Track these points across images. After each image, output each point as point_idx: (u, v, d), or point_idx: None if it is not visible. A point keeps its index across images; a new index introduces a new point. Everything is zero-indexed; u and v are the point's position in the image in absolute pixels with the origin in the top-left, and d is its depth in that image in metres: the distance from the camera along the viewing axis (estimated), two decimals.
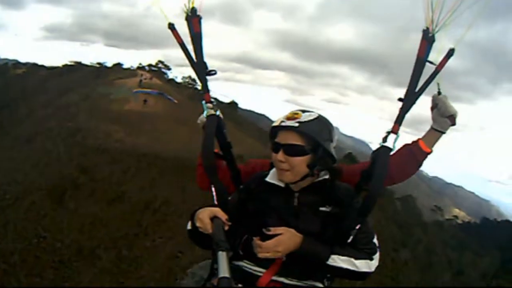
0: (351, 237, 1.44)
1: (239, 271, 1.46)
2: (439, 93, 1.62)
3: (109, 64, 49.78)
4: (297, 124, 1.40)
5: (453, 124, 1.62)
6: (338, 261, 1.38)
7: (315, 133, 1.40)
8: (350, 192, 1.52)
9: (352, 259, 1.40)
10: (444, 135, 1.64)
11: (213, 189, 1.59)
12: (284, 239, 1.34)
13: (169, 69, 50.11)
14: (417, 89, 1.60)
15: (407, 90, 1.61)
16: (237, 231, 1.41)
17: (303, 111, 1.46)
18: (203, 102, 1.72)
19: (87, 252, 4.29)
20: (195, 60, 1.72)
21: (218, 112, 1.71)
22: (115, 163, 9.61)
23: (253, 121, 41.87)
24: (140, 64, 50.09)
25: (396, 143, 1.61)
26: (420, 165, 1.69)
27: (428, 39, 1.57)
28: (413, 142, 1.69)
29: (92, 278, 3.82)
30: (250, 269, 1.45)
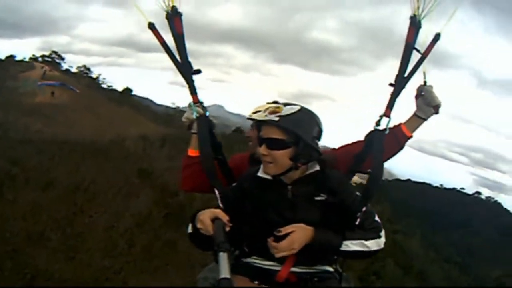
0: (358, 220, 1.46)
1: (251, 268, 1.47)
2: (425, 82, 1.68)
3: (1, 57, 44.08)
4: (277, 119, 1.39)
5: (437, 113, 1.69)
6: (350, 245, 1.41)
7: (295, 127, 1.39)
8: (342, 179, 1.54)
9: (363, 241, 1.42)
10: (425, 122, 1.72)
11: (216, 192, 1.56)
12: (297, 236, 1.35)
13: (62, 59, 46.80)
14: (406, 74, 1.65)
15: (397, 76, 1.66)
16: (238, 229, 1.39)
17: (285, 104, 1.45)
18: (191, 103, 1.68)
19: (36, 237, 4.63)
20: (179, 61, 1.66)
21: (208, 113, 1.70)
22: (40, 152, 9.64)
23: (147, 105, 43.20)
24: (33, 55, 45.94)
25: (388, 126, 1.65)
26: (402, 148, 1.75)
27: (415, 26, 1.62)
28: (395, 126, 1.73)
29: (47, 259, 4.26)
30: (261, 264, 1.47)
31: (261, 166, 1.52)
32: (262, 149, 1.42)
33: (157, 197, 6.16)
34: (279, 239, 1.35)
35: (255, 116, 1.44)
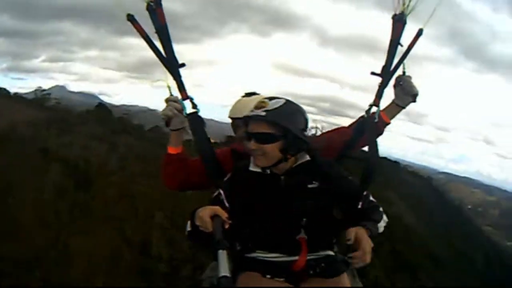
0: (360, 203, 1.49)
1: (258, 262, 1.45)
2: (404, 73, 1.77)
3: None
4: (264, 113, 1.41)
5: (414, 101, 1.78)
6: (374, 229, 1.42)
7: (282, 120, 1.41)
8: (333, 164, 1.59)
9: (377, 224, 1.46)
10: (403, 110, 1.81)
11: (222, 193, 1.50)
12: (363, 237, 1.32)
13: None
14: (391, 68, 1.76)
15: (384, 68, 1.77)
16: (239, 225, 1.39)
17: (271, 99, 1.46)
18: (180, 100, 1.62)
19: None
20: (164, 55, 1.62)
21: (199, 110, 1.66)
22: None
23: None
24: None
25: (377, 114, 1.76)
26: (381, 133, 1.82)
27: (401, 22, 1.73)
28: (374, 113, 1.80)
29: None
30: (267, 257, 1.45)
31: (252, 159, 1.52)
32: (252, 144, 1.44)
33: (64, 169, 7.52)
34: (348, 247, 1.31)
35: (241, 115, 1.50)
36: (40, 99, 14.98)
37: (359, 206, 1.50)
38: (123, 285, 5.43)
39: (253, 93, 1.84)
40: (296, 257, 1.43)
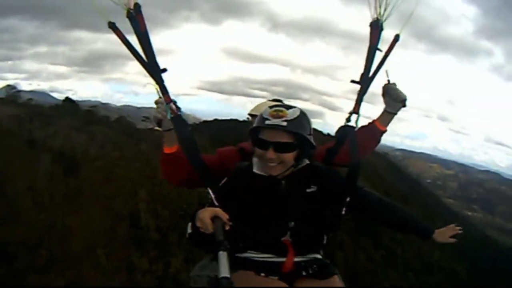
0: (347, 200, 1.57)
1: (251, 262, 1.47)
2: (388, 81, 1.80)
3: None
4: (285, 124, 1.42)
5: (404, 106, 1.82)
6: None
7: (301, 130, 1.44)
8: (329, 167, 1.64)
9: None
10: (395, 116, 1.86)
11: (211, 193, 1.55)
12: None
13: None
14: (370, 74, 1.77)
15: (362, 75, 1.79)
16: (233, 225, 1.34)
17: (287, 108, 1.48)
18: (164, 104, 1.63)
19: None
20: (145, 60, 1.63)
21: (182, 112, 1.67)
22: None
23: None
24: None
25: (358, 121, 1.78)
26: (379, 141, 1.89)
27: (378, 28, 1.76)
28: (369, 123, 1.87)
29: None
30: (259, 257, 1.47)
31: (253, 162, 1.54)
32: (270, 153, 1.43)
33: (53, 158, 8.07)
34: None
35: (274, 123, 1.43)
36: (12, 95, 15.35)
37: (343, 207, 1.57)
38: (121, 255, 6.20)
39: (279, 100, 1.89)
40: (285, 259, 1.46)
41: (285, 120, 1.42)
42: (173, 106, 1.63)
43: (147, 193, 6.92)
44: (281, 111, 1.45)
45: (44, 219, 6.14)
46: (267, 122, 1.43)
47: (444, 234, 1.61)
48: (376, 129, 1.85)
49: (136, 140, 13.02)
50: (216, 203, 1.48)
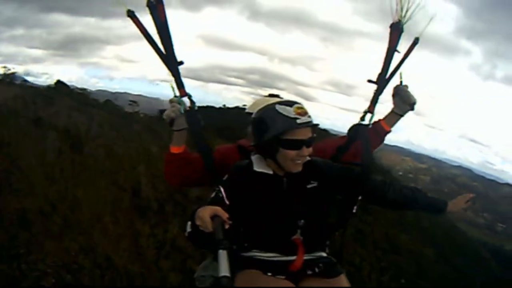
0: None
1: (257, 261, 1.45)
2: (401, 82, 1.80)
3: None
4: (311, 119, 1.43)
5: (412, 109, 1.80)
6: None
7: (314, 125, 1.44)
8: (327, 161, 1.63)
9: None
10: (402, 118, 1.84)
11: (222, 190, 1.48)
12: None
13: None
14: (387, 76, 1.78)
15: (379, 75, 1.79)
16: (236, 224, 1.35)
17: (299, 104, 1.45)
18: (179, 97, 1.60)
19: None
20: (164, 52, 1.58)
21: (196, 107, 1.65)
22: None
23: None
24: None
25: (371, 121, 1.80)
26: (383, 141, 1.88)
27: (398, 30, 1.75)
28: (375, 122, 1.86)
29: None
30: (264, 256, 1.46)
31: (254, 160, 1.52)
32: (306, 151, 1.44)
33: (59, 135, 8.76)
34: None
35: (305, 120, 1.42)
36: (9, 76, 15.87)
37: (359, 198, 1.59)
38: (126, 222, 7.01)
39: (277, 96, 1.91)
40: (293, 257, 1.44)
41: (309, 116, 1.45)
42: (187, 100, 1.63)
43: (145, 168, 7.69)
44: (302, 107, 1.46)
45: (56, 191, 6.86)
46: (298, 121, 1.42)
47: (458, 203, 1.65)
48: (381, 128, 1.88)
49: (128, 122, 13.90)
50: (227, 201, 1.47)
